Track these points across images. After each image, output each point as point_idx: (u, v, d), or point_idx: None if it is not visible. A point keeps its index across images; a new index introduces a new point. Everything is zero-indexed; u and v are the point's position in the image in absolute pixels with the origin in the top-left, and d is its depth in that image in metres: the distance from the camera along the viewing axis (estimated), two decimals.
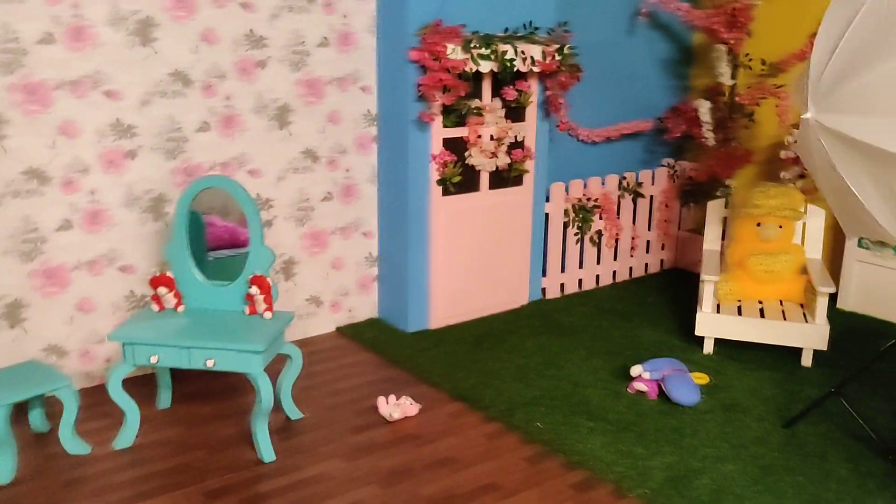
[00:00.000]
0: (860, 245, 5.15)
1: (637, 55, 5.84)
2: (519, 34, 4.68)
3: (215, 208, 3.81)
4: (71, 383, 3.35)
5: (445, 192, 4.69)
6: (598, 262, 5.66)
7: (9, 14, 3.51)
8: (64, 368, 3.94)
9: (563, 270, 5.47)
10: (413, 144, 4.52)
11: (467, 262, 4.87)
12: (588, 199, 5.42)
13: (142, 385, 4.00)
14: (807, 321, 4.38)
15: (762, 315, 4.47)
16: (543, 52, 4.68)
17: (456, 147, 4.65)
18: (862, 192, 2.94)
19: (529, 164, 4.98)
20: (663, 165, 6.01)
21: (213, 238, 3.89)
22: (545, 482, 3.28)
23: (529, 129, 4.93)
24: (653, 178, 5.84)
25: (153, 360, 3.36)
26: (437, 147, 4.58)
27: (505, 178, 4.92)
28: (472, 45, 4.37)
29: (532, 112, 4.92)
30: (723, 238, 5.12)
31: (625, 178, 5.63)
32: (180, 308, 3.64)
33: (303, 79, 4.39)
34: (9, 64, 3.55)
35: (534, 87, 4.86)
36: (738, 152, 5.58)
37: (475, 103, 4.60)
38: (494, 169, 4.80)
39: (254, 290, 3.55)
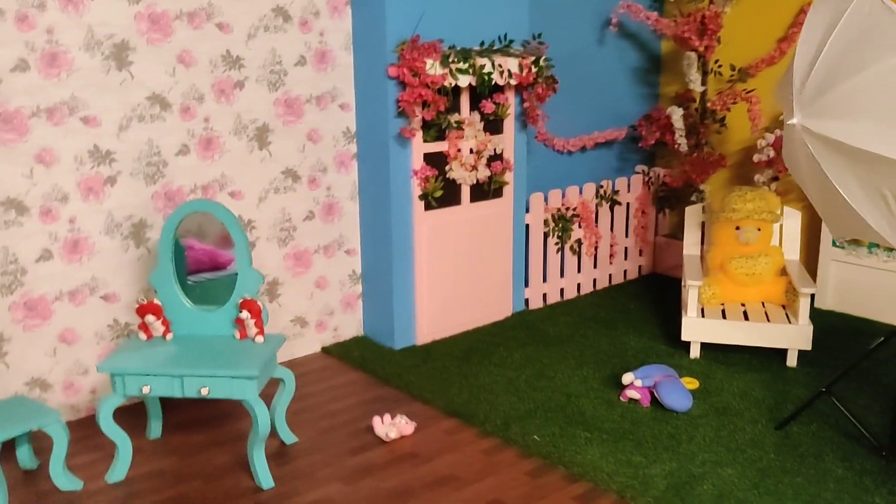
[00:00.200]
0: (835, 244, 5.24)
1: (607, 65, 5.90)
2: (495, 47, 4.69)
3: (191, 231, 3.74)
4: (60, 417, 3.27)
5: (428, 207, 4.67)
6: (579, 271, 5.69)
7: None
8: (48, 402, 3.84)
9: (544, 280, 5.48)
10: (394, 160, 4.50)
11: (451, 275, 4.86)
12: (567, 209, 5.45)
13: (130, 415, 3.91)
14: (790, 322, 4.44)
15: (746, 317, 4.52)
16: (520, 65, 4.70)
17: (436, 161, 4.65)
18: (849, 193, 2.99)
19: (509, 176, 5.00)
20: (637, 172, 6.06)
21: (193, 261, 3.83)
22: (548, 496, 3.27)
23: (508, 141, 4.95)
24: (628, 185, 5.89)
25: (145, 390, 3.29)
26: (418, 162, 4.57)
27: (485, 191, 4.92)
28: (450, 60, 4.37)
29: (510, 124, 4.93)
30: (701, 242, 5.18)
31: (602, 186, 5.68)
32: (169, 336, 3.57)
33: (281, 98, 4.35)
34: None
35: (511, 99, 4.87)
36: (711, 157, 5.66)
37: (455, 117, 4.60)
38: (475, 182, 4.80)
39: (244, 314, 3.50)
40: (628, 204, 5.93)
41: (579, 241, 5.60)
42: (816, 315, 5.12)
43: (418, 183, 4.58)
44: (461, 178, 4.71)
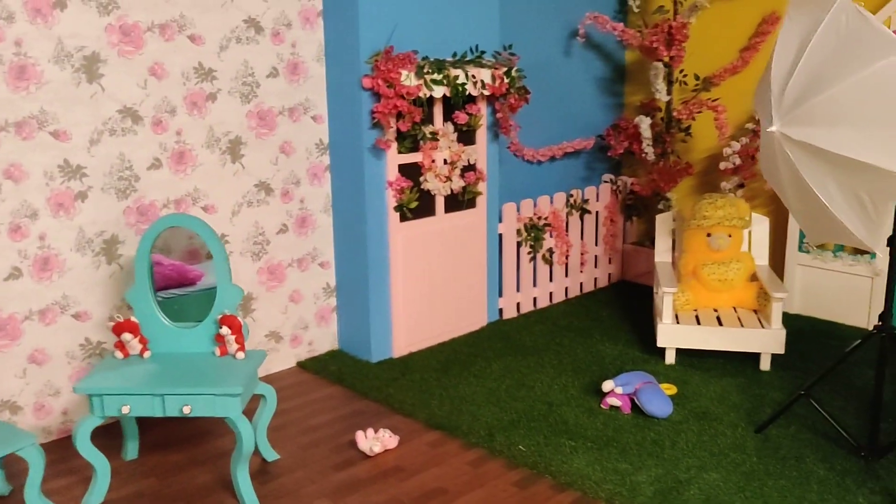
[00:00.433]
0: (801, 249, 5.35)
1: (574, 75, 5.95)
2: (467, 58, 4.70)
3: (157, 246, 3.66)
4: (36, 441, 3.16)
5: (403, 218, 4.65)
6: (551, 280, 5.71)
7: None
8: (19, 424, 3.71)
9: (518, 290, 5.49)
10: (369, 172, 4.47)
11: (427, 287, 4.84)
12: (539, 218, 5.47)
13: (103, 436, 3.80)
14: (763, 326, 4.51)
15: (719, 323, 4.58)
16: (493, 76, 4.71)
17: (411, 172, 4.63)
18: (828, 198, 3.05)
19: (482, 186, 5.00)
20: (605, 182, 6.12)
21: (162, 278, 3.74)
22: None
23: (480, 151, 4.95)
24: (597, 194, 5.94)
25: (125, 410, 3.20)
26: (392, 173, 4.54)
27: (459, 202, 4.92)
28: (424, 71, 4.36)
29: (482, 134, 4.94)
30: (672, 249, 5.24)
31: (571, 195, 5.71)
32: (146, 354, 3.48)
33: (253, 110, 4.30)
34: None
35: (483, 109, 4.88)
36: (678, 166, 5.73)
37: (430, 128, 4.59)
38: (449, 192, 4.80)
39: (224, 330, 3.43)
40: (597, 213, 5.98)
41: (551, 250, 5.62)
42: (784, 319, 5.20)
43: (393, 194, 4.56)
44: (436, 188, 4.70)
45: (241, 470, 3.27)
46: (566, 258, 5.74)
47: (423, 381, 4.43)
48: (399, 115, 4.38)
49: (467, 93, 4.61)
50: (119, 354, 3.46)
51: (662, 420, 3.95)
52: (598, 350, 4.85)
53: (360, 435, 3.74)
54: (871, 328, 5.08)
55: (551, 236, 5.59)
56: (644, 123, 5.56)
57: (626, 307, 5.66)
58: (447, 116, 4.72)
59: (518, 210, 5.37)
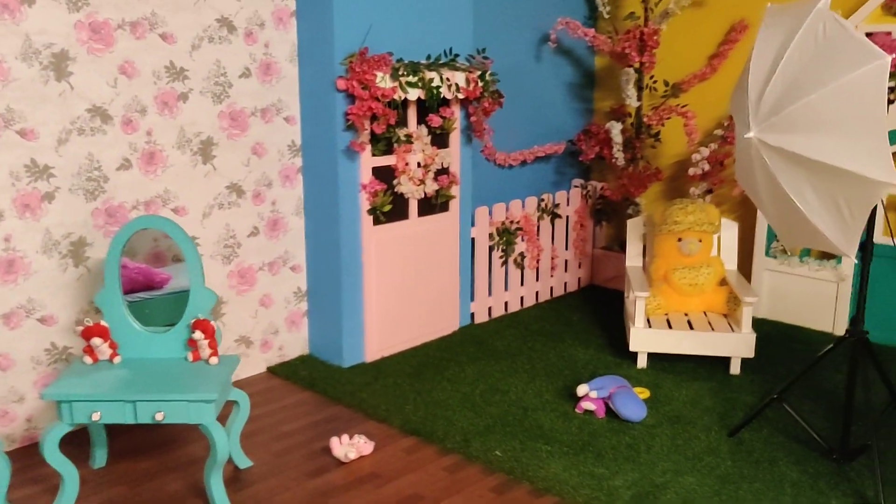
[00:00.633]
0: (768, 254, 5.42)
1: (545, 80, 5.97)
2: (441, 61, 4.68)
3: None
4: (2, 448, 3.06)
5: (376, 222, 4.61)
6: (522, 284, 5.72)
7: None
8: None
9: (490, 294, 5.48)
10: (343, 174, 4.42)
11: (400, 291, 4.81)
12: (511, 222, 5.47)
13: (70, 443, 3.70)
14: (733, 330, 4.56)
15: (690, 327, 4.62)
16: (467, 79, 4.70)
17: (385, 175, 4.60)
18: (805, 203, 3.08)
19: (455, 190, 4.98)
20: (575, 186, 6.14)
21: (127, 281, 3.66)
22: None
23: (454, 154, 4.94)
24: (567, 198, 5.96)
25: (95, 417, 3.11)
26: (366, 176, 4.50)
27: (433, 205, 4.89)
28: (400, 73, 4.33)
29: (455, 138, 4.92)
30: (643, 254, 5.27)
31: (543, 199, 5.72)
32: (116, 359, 3.39)
33: (226, 111, 4.23)
34: None
35: (457, 113, 4.87)
36: (647, 171, 5.78)
37: (405, 131, 4.56)
38: (423, 196, 4.77)
39: (197, 334, 3.36)
40: (568, 217, 6.00)
41: (522, 255, 5.62)
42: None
43: (367, 197, 4.52)
44: (409, 192, 4.67)
45: (215, 477, 3.21)
46: (537, 262, 5.75)
47: (397, 385, 4.40)
48: (373, 118, 4.34)
49: (441, 96, 4.58)
50: (88, 359, 3.36)
51: (637, 424, 3.96)
52: (571, 354, 4.86)
53: (334, 441, 3.69)
54: (835, 332, 5.18)
55: (523, 240, 5.60)
56: (615, 129, 5.59)
57: (596, 311, 5.69)
58: (421, 119, 4.70)
59: (490, 214, 5.37)
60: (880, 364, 3.51)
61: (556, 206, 5.84)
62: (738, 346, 4.51)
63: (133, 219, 3.42)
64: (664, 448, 3.73)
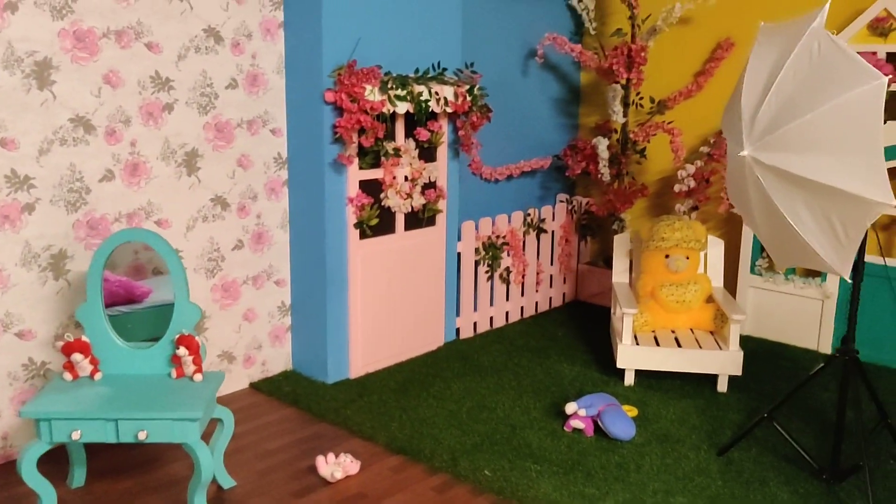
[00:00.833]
0: (753, 271, 5.42)
1: (530, 95, 5.95)
2: (430, 75, 4.65)
3: None
4: None
5: (363, 236, 4.55)
6: (508, 299, 5.68)
7: None
8: None
9: (475, 309, 5.44)
10: (329, 187, 4.37)
11: (385, 306, 4.75)
12: (497, 237, 5.43)
13: (47, 461, 3.59)
14: (720, 348, 4.54)
15: (678, 344, 4.59)
16: (455, 93, 4.67)
17: (371, 189, 4.54)
18: (799, 223, 3.07)
19: (442, 204, 4.94)
20: (561, 201, 6.12)
21: (107, 294, 3.57)
22: None
23: (441, 168, 4.90)
24: (553, 213, 5.94)
25: (75, 435, 3.02)
26: (353, 189, 4.45)
27: (419, 219, 4.85)
28: (388, 87, 4.29)
29: (443, 152, 4.88)
30: (630, 270, 5.25)
31: (529, 214, 5.70)
32: (97, 375, 3.31)
33: (211, 122, 4.16)
34: None
35: (444, 127, 4.83)
36: (633, 187, 5.77)
37: (393, 145, 4.51)
38: (410, 210, 4.72)
39: (181, 350, 3.29)
40: (553, 232, 5.97)
41: (508, 269, 5.59)
42: None
43: (354, 211, 4.46)
44: (396, 206, 4.62)
45: (199, 498, 3.13)
46: (523, 277, 5.71)
47: (382, 402, 4.33)
48: (361, 131, 4.29)
49: (430, 109, 4.55)
50: (68, 376, 3.27)
51: (626, 443, 3.93)
52: (557, 371, 4.82)
53: (320, 460, 3.62)
54: (820, 350, 5.19)
55: (509, 255, 5.56)
56: (602, 144, 5.59)
57: (581, 327, 5.66)
58: (408, 133, 4.65)
59: (477, 228, 5.33)
60: (871, 384, 3.50)
61: (542, 220, 5.81)
62: (725, 363, 4.49)
63: (116, 232, 3.33)
64: (654, 467, 3.69)
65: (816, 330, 5.22)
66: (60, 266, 3.71)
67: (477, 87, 4.79)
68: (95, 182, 3.77)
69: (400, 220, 4.73)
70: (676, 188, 5.59)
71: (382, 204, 4.59)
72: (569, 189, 6.38)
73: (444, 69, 4.75)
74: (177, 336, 3.32)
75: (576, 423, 4.02)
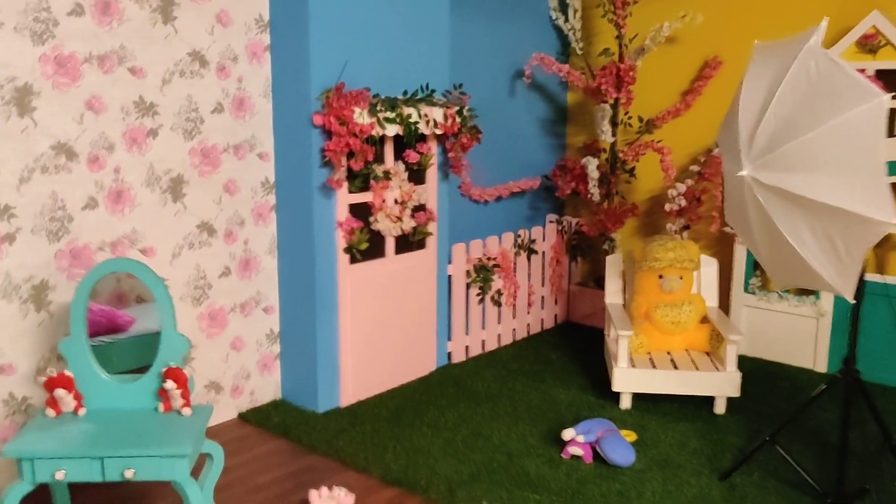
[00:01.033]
0: (747, 290, 5.38)
1: (518, 115, 5.91)
2: (418, 97, 4.59)
3: None
4: None
5: (353, 260, 4.47)
6: (499, 322, 5.60)
7: None
8: None
9: (467, 333, 5.35)
10: (318, 212, 4.28)
11: (376, 331, 4.66)
12: (488, 259, 5.36)
13: (29, 499, 3.45)
14: (718, 369, 4.48)
15: (674, 366, 4.53)
16: (445, 115, 4.61)
17: (361, 213, 4.47)
18: (800, 243, 3.02)
19: (432, 227, 4.87)
20: (551, 222, 6.06)
21: (90, 324, 3.45)
22: None
23: (431, 191, 4.83)
24: (543, 234, 5.88)
25: (59, 475, 2.90)
26: (342, 213, 4.37)
27: (410, 242, 4.77)
28: (377, 109, 4.23)
29: (433, 174, 4.82)
30: (623, 291, 5.19)
31: (519, 235, 5.63)
32: (81, 411, 3.18)
33: (197, 147, 4.07)
34: None
35: (434, 148, 4.77)
36: (623, 206, 5.73)
37: (382, 167, 4.44)
38: (400, 233, 4.64)
39: (169, 384, 3.17)
40: (543, 253, 5.91)
41: (499, 292, 5.51)
42: None
43: (343, 235, 4.38)
44: (386, 229, 4.55)
45: None
46: (514, 299, 5.64)
47: (375, 432, 4.23)
48: (350, 154, 4.22)
49: (419, 131, 4.48)
50: (51, 412, 3.15)
51: (626, 469, 3.84)
52: (552, 395, 4.74)
53: (313, 494, 3.50)
54: (816, 369, 5.14)
55: (500, 277, 5.49)
56: (591, 164, 5.54)
57: (574, 349, 5.58)
58: (398, 155, 4.59)
59: (467, 251, 5.25)
60: (874, 404, 3.44)
61: (533, 241, 5.75)
62: (723, 385, 4.42)
63: (101, 262, 3.22)
64: (656, 495, 3.61)
65: (812, 349, 5.17)
66: (42, 297, 3.60)
67: (466, 108, 4.74)
68: (78, 210, 3.66)
69: (390, 244, 4.66)
70: (667, 207, 5.55)
71: (372, 227, 4.51)
72: (558, 209, 6.33)
73: (433, 91, 4.70)
74: (164, 369, 3.21)
75: (574, 450, 3.93)
